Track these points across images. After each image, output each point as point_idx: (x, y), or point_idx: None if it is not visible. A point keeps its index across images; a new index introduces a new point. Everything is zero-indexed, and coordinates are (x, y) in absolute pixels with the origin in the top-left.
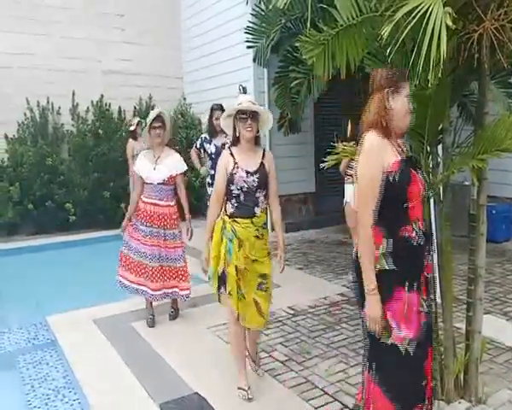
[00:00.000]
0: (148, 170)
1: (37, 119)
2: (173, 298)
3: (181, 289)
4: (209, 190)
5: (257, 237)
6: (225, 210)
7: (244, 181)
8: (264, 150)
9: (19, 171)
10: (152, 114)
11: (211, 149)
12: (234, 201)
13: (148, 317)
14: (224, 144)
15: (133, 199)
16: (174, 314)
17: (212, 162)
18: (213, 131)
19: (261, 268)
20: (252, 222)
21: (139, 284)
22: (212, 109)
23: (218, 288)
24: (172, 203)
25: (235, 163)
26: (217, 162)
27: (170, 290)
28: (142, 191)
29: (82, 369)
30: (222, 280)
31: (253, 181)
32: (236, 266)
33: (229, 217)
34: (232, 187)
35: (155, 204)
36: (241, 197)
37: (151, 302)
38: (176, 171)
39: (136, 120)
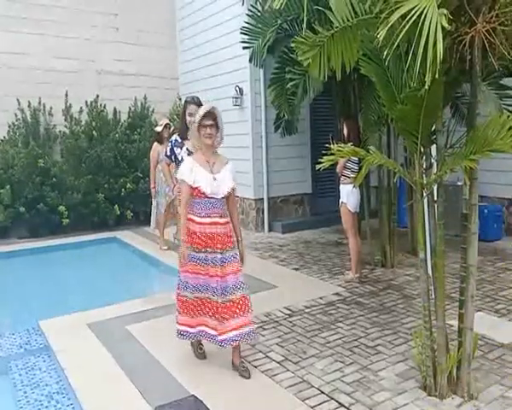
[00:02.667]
0: (208, 181)
1: (28, 119)
2: (237, 341)
3: (246, 325)
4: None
5: None
6: None
7: None
8: None
9: (10, 173)
10: (202, 110)
11: (181, 154)
12: None
13: (196, 350)
14: None
15: (184, 218)
16: (245, 368)
17: None
18: (187, 132)
19: None
20: None
21: (199, 325)
22: (186, 102)
23: None
24: (229, 219)
25: None
26: None
27: (237, 333)
28: (191, 207)
29: (76, 374)
30: None
31: None
32: None
33: None
34: None
35: (215, 223)
36: None
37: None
38: (234, 180)
39: (165, 121)
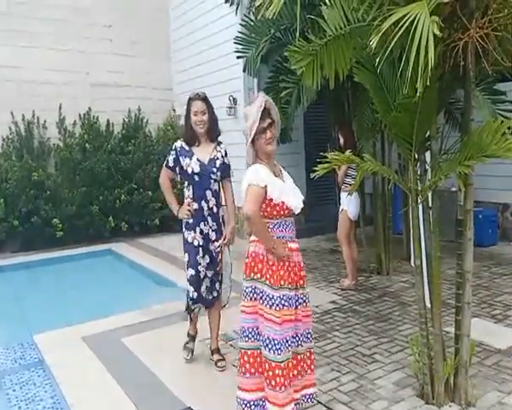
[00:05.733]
0: (292, 194)
1: (22, 133)
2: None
3: (309, 386)
4: (189, 239)
5: None
6: None
7: None
8: None
9: (3, 187)
10: (255, 110)
11: (192, 166)
12: None
13: None
14: (214, 159)
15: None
16: None
17: (194, 190)
18: (193, 137)
19: None
20: None
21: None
22: (190, 100)
23: None
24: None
25: None
26: (202, 190)
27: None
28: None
29: (71, 388)
30: None
31: None
32: None
33: None
34: None
35: (297, 249)
36: None
37: None
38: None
39: None
